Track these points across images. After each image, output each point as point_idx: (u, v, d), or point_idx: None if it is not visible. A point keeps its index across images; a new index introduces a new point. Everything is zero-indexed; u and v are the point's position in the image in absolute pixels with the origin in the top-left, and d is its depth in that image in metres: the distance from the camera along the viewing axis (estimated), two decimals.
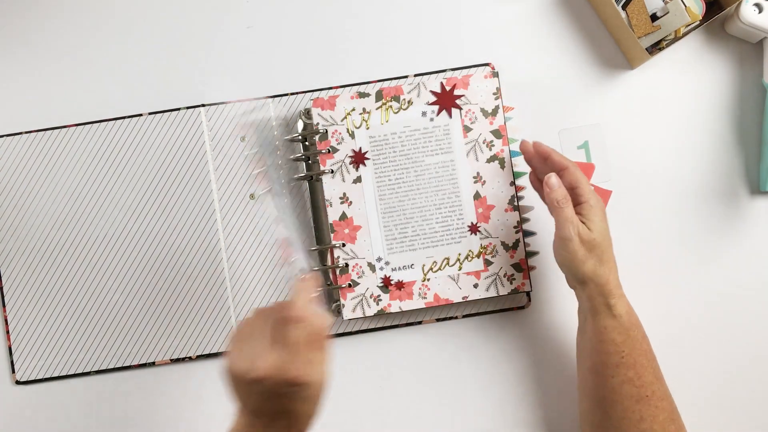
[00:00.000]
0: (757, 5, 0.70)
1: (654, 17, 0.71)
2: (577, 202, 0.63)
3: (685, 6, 0.69)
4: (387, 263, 0.71)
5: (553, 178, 0.62)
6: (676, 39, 0.71)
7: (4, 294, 0.74)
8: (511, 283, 0.70)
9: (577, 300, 0.65)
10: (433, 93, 0.70)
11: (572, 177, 0.63)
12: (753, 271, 0.73)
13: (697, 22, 0.70)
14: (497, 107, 0.70)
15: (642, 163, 0.74)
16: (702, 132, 0.74)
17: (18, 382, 0.74)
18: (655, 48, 0.72)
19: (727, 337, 0.73)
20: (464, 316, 0.73)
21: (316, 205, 0.73)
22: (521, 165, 0.74)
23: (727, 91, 0.74)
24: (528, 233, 0.73)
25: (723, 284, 0.73)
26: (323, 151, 0.71)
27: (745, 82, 0.74)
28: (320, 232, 0.73)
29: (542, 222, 0.74)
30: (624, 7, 0.71)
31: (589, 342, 0.62)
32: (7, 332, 0.74)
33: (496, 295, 0.70)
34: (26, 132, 0.75)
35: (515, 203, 0.70)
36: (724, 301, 0.73)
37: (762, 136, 0.73)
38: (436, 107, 0.70)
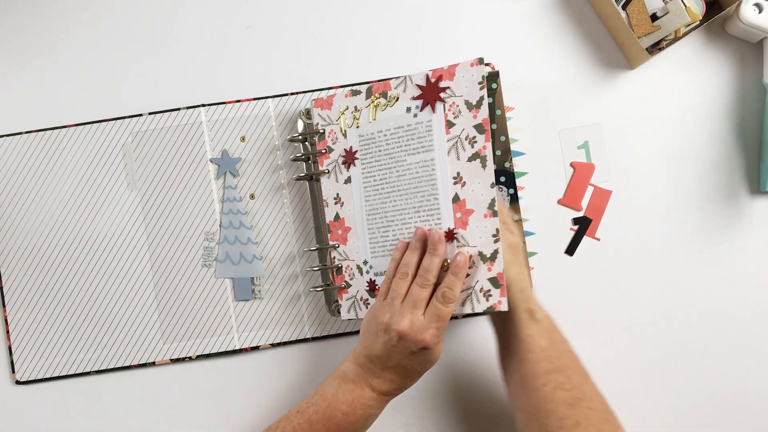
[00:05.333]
0: (757, 5, 0.70)
1: (654, 17, 0.71)
2: None
3: (685, 6, 0.69)
4: (371, 267, 0.68)
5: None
6: (676, 39, 0.71)
7: (4, 294, 0.74)
8: (487, 300, 0.61)
9: (492, 325, 0.64)
10: (419, 87, 0.65)
11: None
12: (753, 270, 0.73)
13: (697, 22, 0.70)
14: (482, 98, 0.62)
15: (642, 163, 0.74)
16: (702, 132, 0.74)
17: (18, 382, 0.74)
18: (655, 48, 0.72)
19: (728, 337, 0.73)
20: (464, 316, 0.73)
21: (316, 205, 0.73)
22: (521, 165, 0.74)
23: (727, 91, 0.74)
24: (528, 233, 0.73)
25: (723, 284, 0.73)
26: (322, 151, 0.71)
27: (745, 82, 0.74)
28: (320, 233, 0.73)
29: (542, 222, 0.74)
30: (624, 7, 0.71)
31: (515, 356, 0.61)
32: (7, 332, 0.74)
33: (471, 312, 0.62)
34: (26, 132, 0.75)
35: (494, 208, 0.61)
36: (725, 301, 0.73)
37: (762, 136, 0.73)
38: (420, 102, 0.65)
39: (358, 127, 0.69)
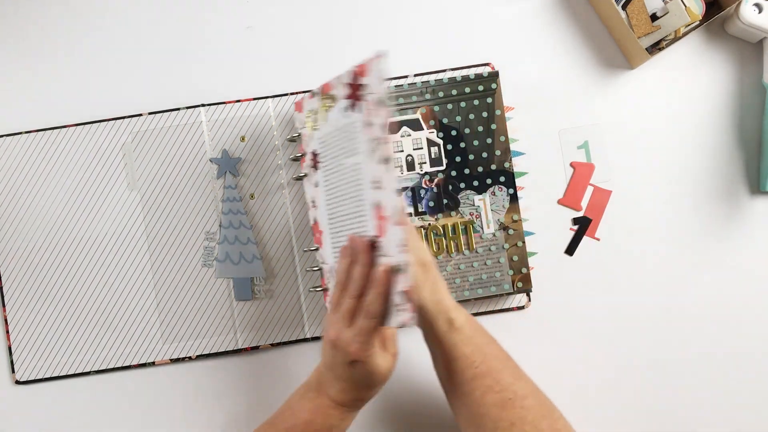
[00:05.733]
0: (757, 5, 0.70)
1: (654, 17, 0.71)
2: None
3: (685, 6, 0.69)
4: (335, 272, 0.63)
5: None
6: (676, 39, 0.71)
7: (4, 294, 0.74)
8: (398, 315, 0.56)
9: (424, 338, 0.63)
10: (348, 85, 0.60)
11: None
12: (753, 270, 0.73)
13: (697, 22, 0.70)
14: (386, 96, 0.58)
15: (642, 163, 0.74)
16: (702, 132, 0.74)
17: (18, 382, 0.74)
18: (655, 48, 0.72)
19: (728, 336, 0.73)
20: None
21: None
22: (521, 165, 0.74)
23: (727, 91, 0.74)
24: (528, 233, 0.74)
25: (723, 283, 0.73)
26: (299, 155, 0.71)
27: (745, 82, 0.74)
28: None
29: (542, 221, 0.74)
30: (624, 7, 0.71)
31: (444, 366, 0.61)
32: (7, 332, 0.74)
33: (392, 326, 0.57)
34: (26, 132, 0.75)
35: (398, 216, 0.55)
36: (725, 300, 0.73)
37: (762, 136, 0.73)
38: (349, 101, 0.60)
39: (317, 129, 0.66)
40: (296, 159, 0.73)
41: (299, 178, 0.73)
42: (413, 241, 0.59)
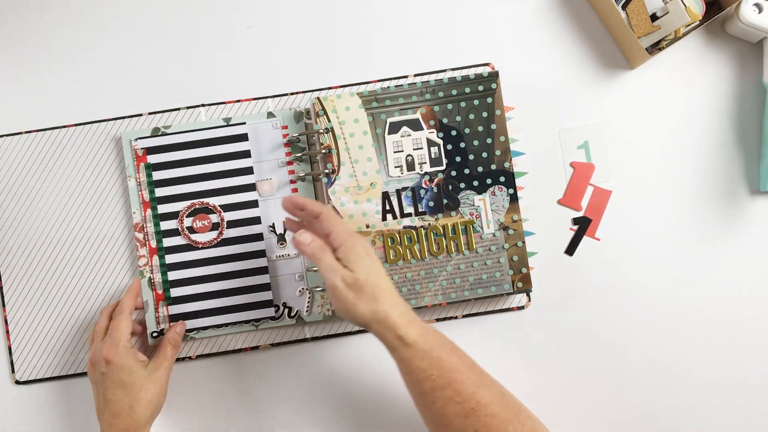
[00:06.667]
0: (757, 5, 0.70)
1: (654, 17, 0.71)
2: (334, 247, 0.61)
3: (685, 6, 0.69)
4: None
5: (301, 236, 0.61)
6: (676, 39, 0.71)
7: (4, 294, 0.74)
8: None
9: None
10: None
11: (325, 223, 0.62)
12: (753, 270, 0.73)
13: (697, 22, 0.70)
14: None
15: (642, 163, 0.74)
16: (702, 132, 0.74)
17: (18, 382, 0.74)
18: (655, 48, 0.72)
19: (728, 336, 0.73)
20: (464, 316, 0.73)
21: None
22: (521, 165, 0.74)
23: (727, 91, 0.74)
24: (528, 233, 0.74)
25: (723, 283, 0.73)
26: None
27: (745, 82, 0.74)
28: None
29: (542, 221, 0.74)
30: (624, 7, 0.71)
31: (404, 379, 0.61)
32: (7, 332, 0.74)
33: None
34: (26, 132, 0.75)
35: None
36: (725, 301, 0.73)
37: (762, 136, 0.73)
38: None
39: None
40: (297, 159, 0.73)
41: (301, 177, 0.73)
42: (331, 265, 0.60)
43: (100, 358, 0.66)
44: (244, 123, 0.73)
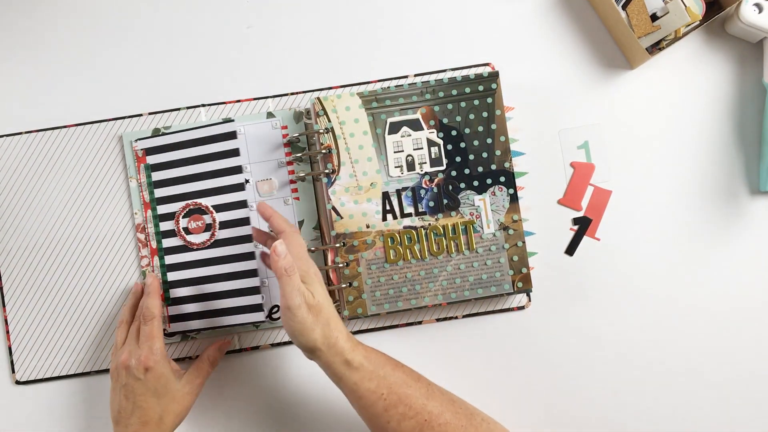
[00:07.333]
0: (757, 5, 0.70)
1: (654, 17, 0.71)
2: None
3: (685, 6, 0.69)
4: None
5: (280, 246, 0.59)
6: (676, 39, 0.71)
7: (4, 294, 0.74)
8: None
9: (328, 376, 0.63)
10: None
11: (287, 241, 0.62)
12: (753, 270, 0.73)
13: (697, 22, 0.70)
14: None
15: (642, 163, 0.74)
16: (702, 132, 0.74)
17: (18, 382, 0.74)
18: (655, 48, 0.72)
19: (728, 337, 0.73)
20: (464, 316, 0.73)
21: (318, 204, 0.73)
22: (521, 165, 0.74)
23: (727, 91, 0.74)
24: (528, 233, 0.74)
25: (723, 284, 0.73)
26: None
27: (745, 82, 0.74)
28: (321, 232, 0.73)
29: (542, 221, 0.74)
30: (624, 7, 0.71)
31: (354, 403, 0.61)
32: (7, 332, 0.74)
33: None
34: (26, 132, 0.75)
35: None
36: (725, 301, 0.73)
37: (762, 136, 0.73)
38: None
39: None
40: (297, 159, 0.73)
41: (301, 178, 0.73)
42: (298, 285, 0.59)
43: (138, 364, 0.64)
44: (233, 120, 0.73)
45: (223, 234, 0.73)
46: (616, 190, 0.74)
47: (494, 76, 0.72)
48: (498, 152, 0.72)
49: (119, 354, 0.66)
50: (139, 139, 0.74)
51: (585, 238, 0.74)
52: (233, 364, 0.74)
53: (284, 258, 0.59)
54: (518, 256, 0.71)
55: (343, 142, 0.72)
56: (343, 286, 0.71)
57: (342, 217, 0.72)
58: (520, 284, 0.71)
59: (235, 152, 0.73)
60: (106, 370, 0.74)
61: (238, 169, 0.73)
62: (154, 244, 0.73)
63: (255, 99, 0.75)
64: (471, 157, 0.72)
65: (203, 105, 0.75)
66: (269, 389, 0.74)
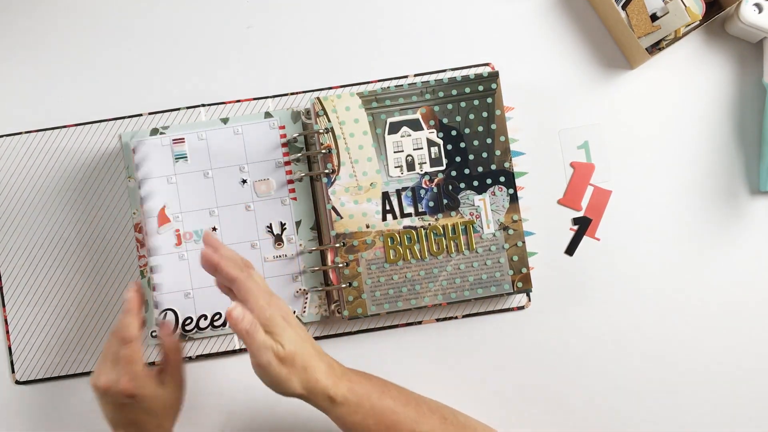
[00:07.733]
0: (757, 5, 0.70)
1: (654, 17, 0.71)
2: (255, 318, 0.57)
3: (685, 6, 0.69)
4: None
5: (235, 311, 0.56)
6: (676, 39, 0.71)
7: (4, 294, 0.74)
8: None
9: None
10: None
11: (242, 289, 0.58)
12: (753, 270, 0.73)
13: (697, 22, 0.70)
14: None
15: (642, 163, 0.74)
16: (702, 132, 0.74)
17: (18, 382, 0.74)
18: (655, 48, 0.72)
19: (728, 337, 0.73)
20: (464, 316, 0.73)
21: (317, 205, 0.73)
22: (521, 165, 0.74)
23: (727, 91, 0.74)
24: (528, 233, 0.74)
25: (723, 284, 0.73)
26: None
27: (745, 82, 0.74)
28: (320, 233, 0.73)
29: (542, 221, 0.74)
30: (624, 7, 0.71)
31: None
32: (7, 332, 0.74)
33: None
34: (26, 132, 0.75)
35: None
36: (724, 301, 0.73)
37: (762, 136, 0.73)
38: None
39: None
40: (296, 159, 0.73)
41: (301, 178, 0.73)
42: (263, 341, 0.56)
43: (120, 393, 0.60)
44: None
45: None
46: (616, 190, 0.74)
47: (494, 76, 0.72)
48: (498, 152, 0.72)
49: (98, 376, 0.61)
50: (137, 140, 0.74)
51: (585, 238, 0.74)
52: (233, 364, 0.74)
53: (243, 321, 0.56)
54: (518, 256, 0.71)
55: (343, 142, 0.72)
56: (343, 286, 0.71)
57: (342, 217, 0.72)
58: (520, 284, 0.71)
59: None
60: None
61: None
62: None
63: (255, 99, 0.75)
64: (471, 157, 0.72)
65: (203, 105, 0.75)
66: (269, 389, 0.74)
